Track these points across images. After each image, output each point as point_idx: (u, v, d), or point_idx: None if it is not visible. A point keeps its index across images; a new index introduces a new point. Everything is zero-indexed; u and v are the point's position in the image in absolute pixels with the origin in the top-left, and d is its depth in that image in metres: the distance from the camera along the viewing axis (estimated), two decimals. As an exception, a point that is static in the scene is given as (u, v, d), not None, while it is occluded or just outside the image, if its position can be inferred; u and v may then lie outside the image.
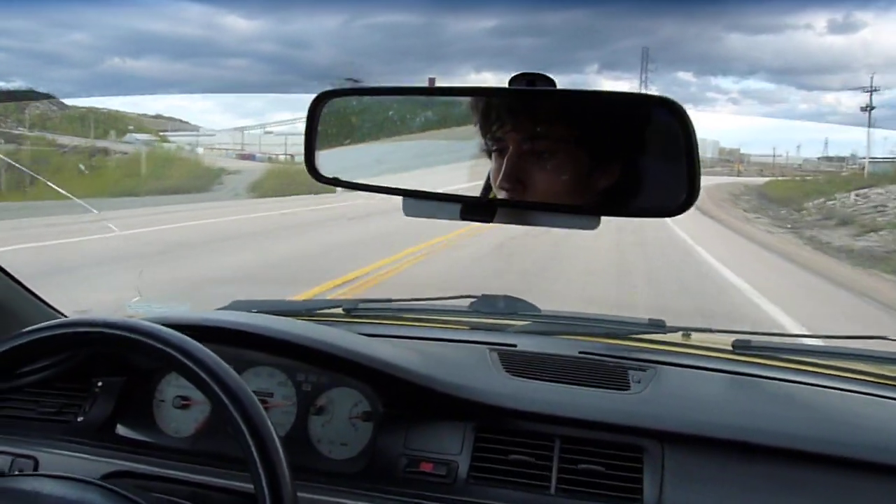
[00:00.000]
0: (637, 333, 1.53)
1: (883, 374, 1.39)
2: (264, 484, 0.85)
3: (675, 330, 1.52)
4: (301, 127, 0.78)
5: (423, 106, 0.86)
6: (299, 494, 1.11)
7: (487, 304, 1.58)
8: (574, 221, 0.66)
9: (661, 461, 1.14)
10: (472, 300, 1.59)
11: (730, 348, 1.47)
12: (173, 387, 1.37)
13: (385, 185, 0.77)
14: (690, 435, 1.17)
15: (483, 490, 1.15)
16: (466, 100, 0.82)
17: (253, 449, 0.86)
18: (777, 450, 1.14)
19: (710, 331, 1.55)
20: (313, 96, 0.78)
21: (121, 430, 1.33)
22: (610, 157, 0.74)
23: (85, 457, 1.23)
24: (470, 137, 0.76)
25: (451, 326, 1.61)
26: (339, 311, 1.62)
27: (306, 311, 1.55)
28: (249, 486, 0.86)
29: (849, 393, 1.33)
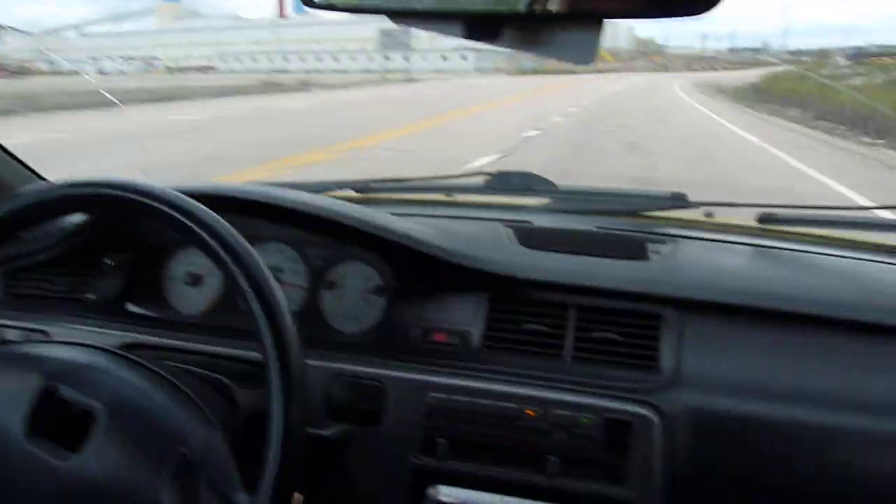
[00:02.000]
0: (658, 209, 1.47)
1: None
2: (271, 354, 0.83)
3: (697, 205, 1.46)
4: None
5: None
6: (312, 363, 1.11)
7: (503, 181, 1.53)
8: (577, 43, 0.59)
9: (680, 329, 1.12)
10: (488, 177, 1.53)
11: (755, 223, 1.42)
12: (183, 264, 1.36)
13: (381, 6, 0.70)
14: (710, 302, 1.14)
15: (497, 357, 1.14)
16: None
17: (260, 316, 0.84)
18: (800, 316, 1.11)
19: (735, 205, 1.49)
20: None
21: (132, 307, 1.33)
22: None
23: (97, 330, 1.24)
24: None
25: (466, 204, 1.57)
26: (350, 191, 1.58)
27: (316, 189, 1.51)
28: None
29: (877, 263, 1.28)
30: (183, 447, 0.84)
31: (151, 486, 0.81)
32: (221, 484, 0.84)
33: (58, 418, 0.85)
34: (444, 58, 77.48)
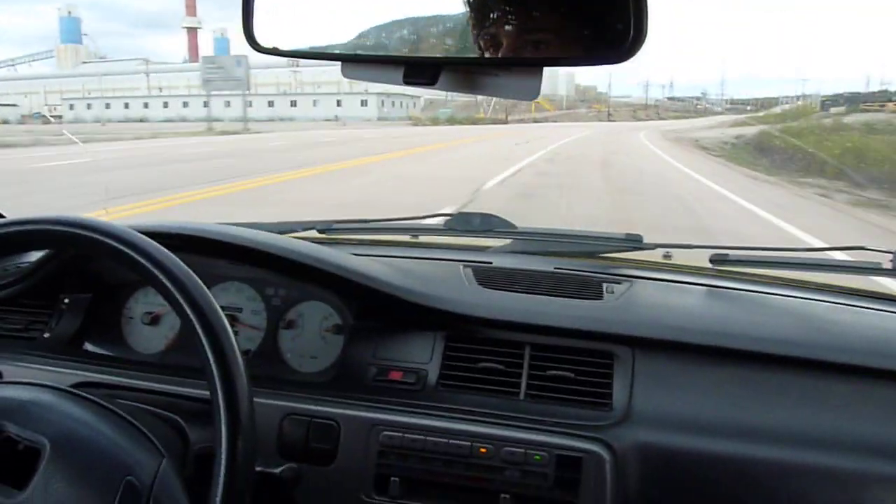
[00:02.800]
0: (614, 250, 1.51)
1: (859, 285, 1.38)
2: (220, 391, 0.83)
3: (652, 246, 1.50)
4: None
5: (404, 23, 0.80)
6: (267, 402, 1.11)
7: (464, 222, 1.56)
8: (518, 85, 0.62)
9: (632, 367, 1.13)
10: (450, 218, 1.56)
11: (708, 264, 1.45)
12: (141, 303, 1.36)
13: (325, 52, 0.73)
14: (662, 340, 1.16)
15: (452, 396, 1.14)
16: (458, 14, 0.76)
17: (209, 354, 0.84)
18: (749, 354, 1.13)
19: (689, 246, 1.53)
20: None
21: (88, 346, 1.32)
22: (596, 23, 0.70)
23: (51, 369, 1.22)
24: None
25: (427, 245, 1.59)
26: (314, 232, 1.60)
27: (280, 230, 1.52)
28: None
29: (825, 302, 1.31)
30: (131, 476, 0.83)
31: None
32: None
33: (4, 456, 0.84)
34: (339, 102, 70.18)
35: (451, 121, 55.07)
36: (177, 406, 1.09)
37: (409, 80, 0.66)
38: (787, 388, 1.10)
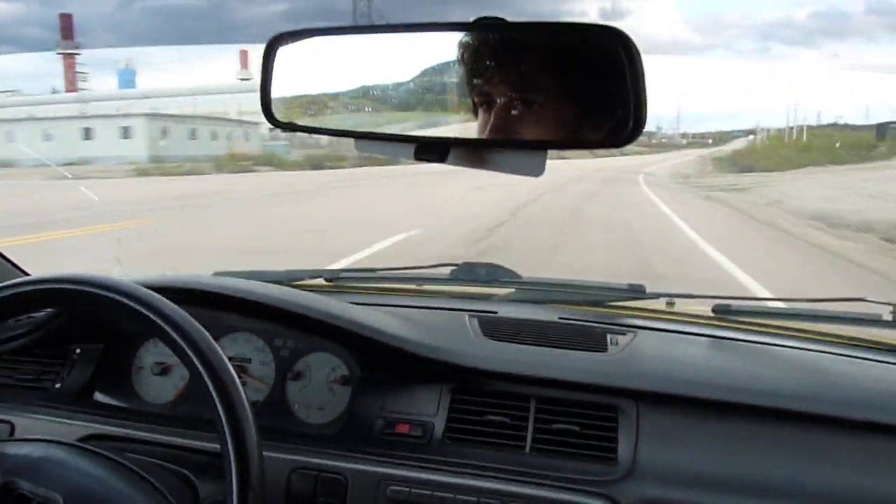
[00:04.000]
0: (617, 300, 1.53)
1: (860, 336, 1.39)
2: (230, 446, 0.85)
3: (655, 296, 1.52)
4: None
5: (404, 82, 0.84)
6: (275, 455, 1.13)
7: (469, 272, 1.59)
8: (524, 162, 0.66)
9: (637, 420, 1.15)
10: (455, 268, 1.59)
11: (710, 314, 1.47)
12: (152, 354, 1.38)
13: (340, 129, 0.77)
14: (666, 394, 1.17)
15: (458, 450, 1.16)
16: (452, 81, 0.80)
17: (219, 409, 0.87)
18: (754, 408, 1.14)
19: (692, 296, 1.55)
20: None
21: (99, 396, 1.34)
22: (600, 109, 0.74)
23: (62, 421, 1.24)
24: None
25: (433, 294, 1.61)
26: (321, 280, 1.63)
27: (287, 279, 1.55)
28: None
29: (827, 354, 1.33)
30: None
31: None
32: None
33: None
34: (87, 133, 42.40)
35: (310, 161, 36.37)
36: (186, 460, 1.11)
37: (420, 157, 0.69)
38: (792, 443, 1.11)
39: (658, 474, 1.09)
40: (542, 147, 0.65)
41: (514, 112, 0.74)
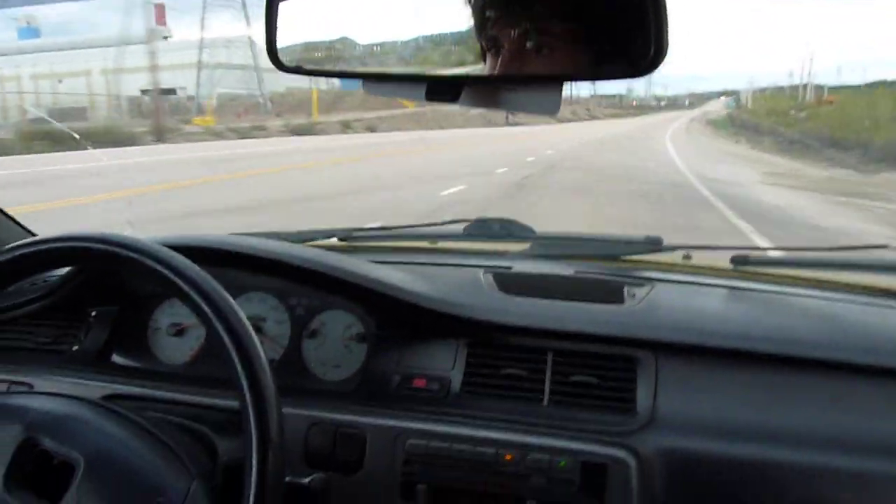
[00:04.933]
0: (634, 253, 1.50)
1: (882, 285, 1.36)
2: (249, 402, 0.85)
3: (672, 248, 1.50)
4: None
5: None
6: (293, 411, 1.13)
7: (483, 228, 1.57)
8: (539, 99, 0.63)
9: (655, 371, 1.13)
10: (468, 224, 1.57)
11: (729, 265, 1.45)
12: (167, 315, 1.38)
13: (349, 70, 0.75)
14: (685, 344, 1.16)
15: (475, 402, 1.15)
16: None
17: (238, 365, 0.86)
18: (774, 356, 1.13)
19: (709, 247, 1.53)
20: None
21: (116, 358, 1.35)
22: (612, 51, 0.71)
23: (80, 382, 1.25)
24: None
25: (447, 251, 1.60)
26: (334, 240, 1.62)
27: (300, 240, 1.54)
28: None
29: (849, 304, 1.30)
30: (162, 497, 0.85)
31: None
32: None
33: (38, 469, 0.87)
34: None
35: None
36: (204, 417, 1.11)
37: (431, 97, 0.67)
38: (812, 391, 1.09)
39: (677, 424, 1.08)
40: (556, 81, 0.63)
41: (525, 48, 0.71)
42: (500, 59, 0.73)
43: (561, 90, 0.63)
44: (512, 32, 0.73)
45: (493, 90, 0.67)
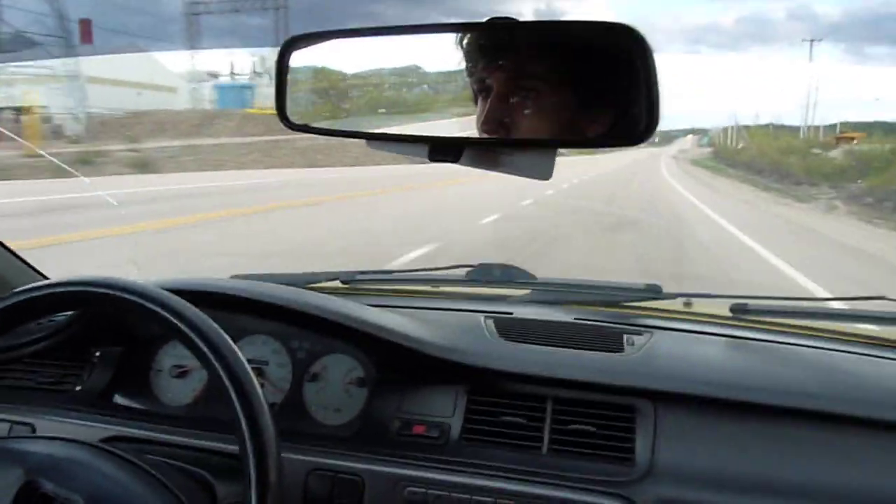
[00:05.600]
0: (634, 300, 1.52)
1: (881, 335, 1.37)
2: (249, 446, 0.86)
3: (671, 296, 1.51)
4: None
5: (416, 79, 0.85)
6: (292, 456, 1.13)
7: (484, 273, 1.59)
8: (534, 164, 0.66)
9: (654, 420, 1.14)
10: (470, 269, 1.59)
11: (728, 313, 1.46)
12: (170, 357, 1.39)
13: (355, 130, 0.77)
14: (683, 394, 1.16)
15: (475, 451, 1.16)
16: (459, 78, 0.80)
17: (238, 410, 0.87)
18: (772, 408, 1.13)
19: (708, 296, 1.54)
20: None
21: (118, 399, 1.36)
22: (597, 100, 0.73)
23: (82, 423, 1.26)
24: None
25: (448, 295, 1.62)
26: (337, 283, 1.63)
27: (304, 282, 1.56)
28: None
29: (848, 354, 1.31)
30: None
31: None
32: None
33: None
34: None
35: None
36: (204, 461, 1.11)
37: (434, 157, 0.70)
38: (811, 443, 1.09)
39: (676, 475, 1.08)
40: (551, 146, 0.65)
41: (511, 101, 0.74)
42: (489, 102, 0.75)
43: (554, 156, 0.66)
44: (499, 75, 0.75)
45: (491, 152, 0.70)
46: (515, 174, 0.69)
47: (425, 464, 1.13)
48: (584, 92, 0.75)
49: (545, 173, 0.66)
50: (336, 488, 1.13)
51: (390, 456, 1.15)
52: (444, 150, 0.69)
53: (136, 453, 0.99)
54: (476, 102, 0.78)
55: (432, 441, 1.18)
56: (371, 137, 0.75)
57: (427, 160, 0.70)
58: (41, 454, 0.95)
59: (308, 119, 0.80)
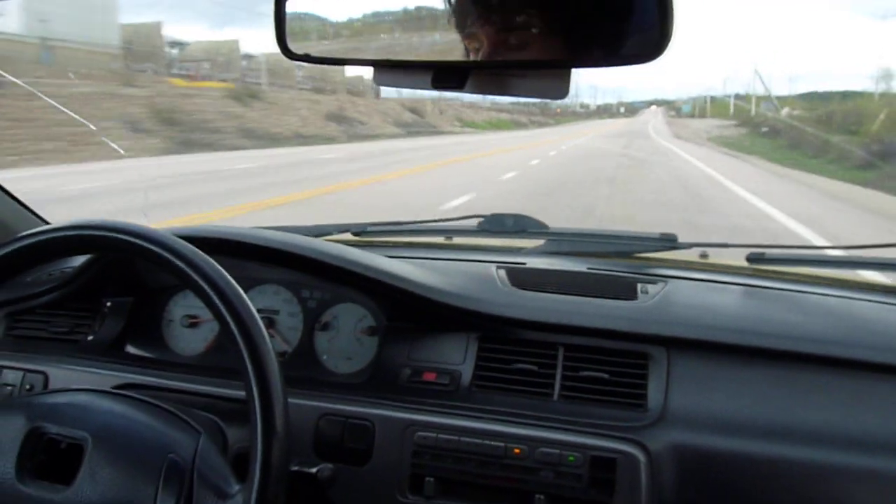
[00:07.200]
0: (648, 250, 1.49)
1: None
2: (256, 393, 0.86)
3: (687, 246, 1.49)
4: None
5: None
6: (304, 402, 1.13)
7: (497, 224, 1.57)
8: (546, 85, 0.63)
9: (667, 367, 1.13)
10: (482, 220, 1.57)
11: (744, 263, 1.43)
12: (181, 306, 1.39)
13: (356, 57, 0.75)
14: (697, 340, 1.15)
15: (486, 397, 1.15)
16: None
17: (246, 357, 0.87)
18: (788, 354, 1.11)
19: (725, 245, 1.51)
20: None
21: (130, 348, 1.36)
22: (587, 47, 0.70)
23: (94, 371, 1.26)
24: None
25: (461, 247, 1.60)
26: (348, 235, 1.62)
27: (315, 234, 1.55)
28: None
29: (865, 301, 1.28)
30: (172, 454, 0.88)
31: (147, 495, 0.84)
32: (215, 479, 0.87)
33: (49, 456, 0.88)
34: None
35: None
36: (215, 407, 1.12)
37: (437, 84, 0.67)
38: (825, 388, 1.08)
39: (688, 420, 1.07)
40: (565, 66, 0.62)
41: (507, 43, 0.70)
42: (480, 54, 0.72)
43: (569, 76, 0.63)
44: (488, 29, 0.72)
45: (499, 76, 0.67)
46: (528, 97, 0.66)
47: (436, 409, 1.13)
48: (617, 38, 0.71)
49: (560, 93, 0.63)
50: (347, 432, 1.13)
51: (401, 402, 1.15)
52: (447, 76, 0.67)
53: (139, 394, 1.00)
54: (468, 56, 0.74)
55: (443, 388, 1.17)
56: (374, 64, 0.72)
57: (431, 87, 0.68)
58: (45, 403, 0.96)
59: (309, 48, 0.77)
